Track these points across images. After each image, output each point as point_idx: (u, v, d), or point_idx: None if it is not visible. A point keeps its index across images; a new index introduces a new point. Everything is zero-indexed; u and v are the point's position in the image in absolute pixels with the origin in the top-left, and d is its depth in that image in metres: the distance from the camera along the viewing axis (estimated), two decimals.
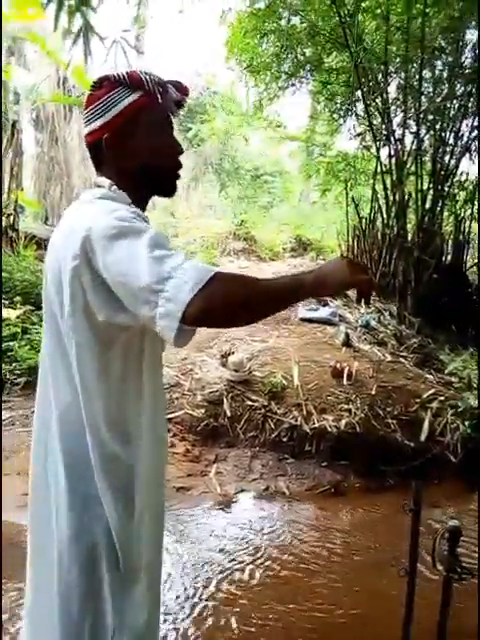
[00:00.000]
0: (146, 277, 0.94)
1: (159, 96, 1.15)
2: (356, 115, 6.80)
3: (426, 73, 6.21)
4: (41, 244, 6.86)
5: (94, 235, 1.00)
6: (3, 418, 3.87)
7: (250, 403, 4.02)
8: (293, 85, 7.11)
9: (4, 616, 2.12)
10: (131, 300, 0.98)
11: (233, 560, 2.69)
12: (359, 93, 6.34)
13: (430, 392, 4.29)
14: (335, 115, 7.25)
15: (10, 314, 4.77)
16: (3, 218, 6.12)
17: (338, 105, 7.02)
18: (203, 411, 3.95)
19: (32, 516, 1.21)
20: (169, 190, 1.24)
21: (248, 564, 2.66)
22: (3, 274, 5.35)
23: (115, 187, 1.15)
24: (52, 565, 1.13)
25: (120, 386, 1.11)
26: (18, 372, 4.34)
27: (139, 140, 1.15)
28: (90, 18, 4.31)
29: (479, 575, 2.05)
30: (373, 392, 4.16)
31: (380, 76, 6.29)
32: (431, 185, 6.25)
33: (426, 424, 3.96)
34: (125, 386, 1.12)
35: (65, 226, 1.10)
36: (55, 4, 4.00)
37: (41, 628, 1.18)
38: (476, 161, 6.42)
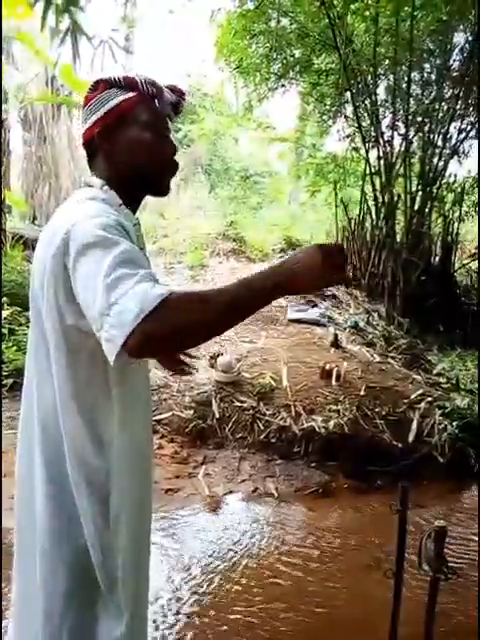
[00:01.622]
0: (98, 299, 0.91)
1: (152, 97, 1.16)
2: (345, 117, 6.84)
3: (415, 75, 6.26)
4: (28, 244, 6.79)
5: (72, 239, 0.99)
6: None
7: (239, 404, 4.02)
8: (282, 86, 7.13)
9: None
10: (87, 314, 0.97)
11: (221, 562, 2.68)
12: (348, 95, 6.38)
13: (418, 393, 4.31)
14: (324, 116, 7.29)
15: None
16: None
17: (327, 106, 7.05)
18: (191, 412, 3.93)
19: (18, 518, 1.21)
20: (161, 189, 1.23)
21: (236, 565, 2.65)
22: None
23: (106, 187, 1.15)
24: (36, 566, 1.13)
25: (87, 390, 1.10)
26: (5, 373, 4.31)
27: (129, 137, 1.16)
28: (78, 17, 4.28)
29: (479, 574, 2.06)
30: (362, 393, 4.18)
31: (369, 78, 6.33)
32: (419, 187, 6.30)
33: (414, 425, 3.97)
34: (92, 390, 1.10)
35: (52, 225, 1.10)
36: (42, 3, 3.96)
37: (26, 628, 1.18)
38: (463, 163, 6.49)
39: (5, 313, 4.80)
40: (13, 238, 6.50)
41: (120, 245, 0.96)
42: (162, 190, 1.23)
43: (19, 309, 4.94)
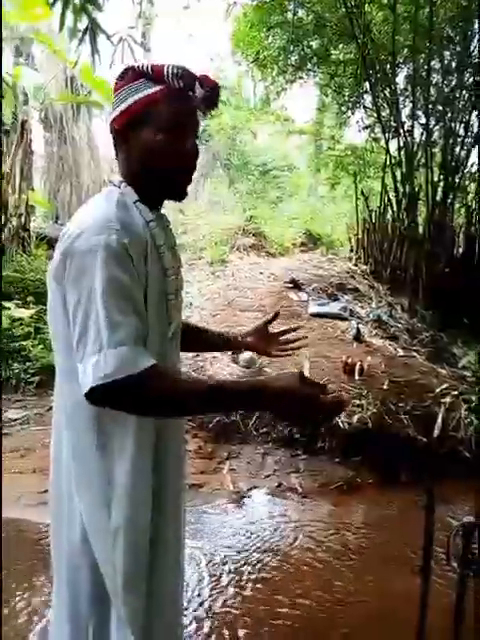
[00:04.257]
0: (91, 335, 0.96)
1: (180, 91, 1.09)
2: (364, 107, 6.76)
3: (435, 63, 6.14)
4: (52, 243, 6.89)
5: (71, 255, 1.00)
6: (17, 417, 3.92)
7: None
8: (300, 78, 7.08)
9: (31, 617, 2.14)
10: (73, 335, 1.00)
11: (246, 556, 2.70)
12: (367, 85, 6.30)
13: (443, 387, 4.26)
14: (343, 107, 7.21)
15: (23, 314, 4.82)
16: (14, 218, 6.16)
17: (346, 97, 6.97)
18: None
19: (52, 515, 1.21)
20: (175, 193, 1.19)
21: (261, 561, 2.67)
22: (16, 274, 5.42)
23: (124, 183, 1.12)
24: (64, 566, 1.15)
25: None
26: (32, 371, 4.39)
27: (143, 137, 1.10)
28: (96, 16, 4.30)
29: None
30: (385, 387, 4.15)
31: (388, 67, 6.24)
32: (441, 177, 6.20)
33: (439, 419, 3.93)
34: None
35: (67, 226, 1.09)
36: (61, 3, 3.99)
37: (57, 624, 1.20)
38: None
39: (31, 311, 4.88)
40: (37, 237, 6.61)
41: (116, 276, 0.98)
42: (177, 194, 1.19)
43: (44, 308, 5.01)
